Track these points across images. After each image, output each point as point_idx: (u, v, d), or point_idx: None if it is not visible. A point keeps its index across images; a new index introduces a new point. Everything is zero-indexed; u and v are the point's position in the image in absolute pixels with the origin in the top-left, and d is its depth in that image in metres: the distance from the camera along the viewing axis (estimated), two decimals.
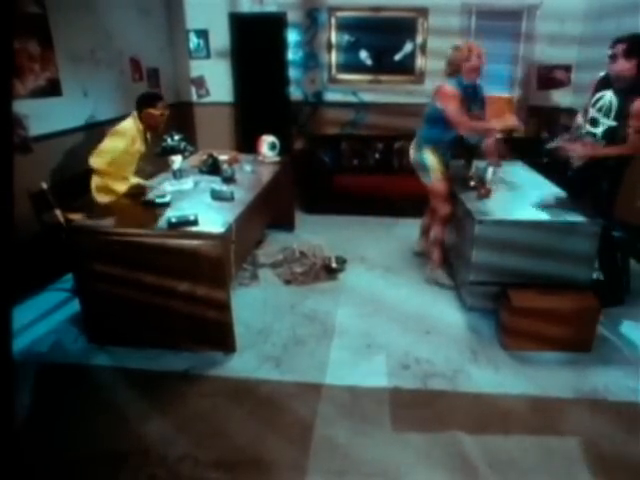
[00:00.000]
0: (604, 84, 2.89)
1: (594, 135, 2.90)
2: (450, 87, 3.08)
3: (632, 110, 2.66)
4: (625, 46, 2.66)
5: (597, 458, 1.99)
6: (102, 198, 3.14)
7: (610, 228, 2.96)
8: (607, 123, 2.82)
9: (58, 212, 2.96)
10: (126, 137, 3.11)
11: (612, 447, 2.05)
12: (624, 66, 2.68)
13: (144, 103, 3.24)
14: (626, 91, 2.72)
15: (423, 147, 3.30)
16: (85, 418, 2.21)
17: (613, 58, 2.74)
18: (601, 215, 2.83)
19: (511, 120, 3.16)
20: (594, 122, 2.91)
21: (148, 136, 3.40)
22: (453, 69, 3.16)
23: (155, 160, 3.61)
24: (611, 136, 2.80)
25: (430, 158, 3.27)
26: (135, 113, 3.23)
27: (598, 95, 2.92)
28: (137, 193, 3.09)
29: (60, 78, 3.57)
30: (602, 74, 2.96)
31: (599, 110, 2.87)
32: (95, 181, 3.14)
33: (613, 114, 2.77)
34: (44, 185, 2.97)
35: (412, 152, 3.42)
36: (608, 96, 2.82)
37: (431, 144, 3.27)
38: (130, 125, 3.17)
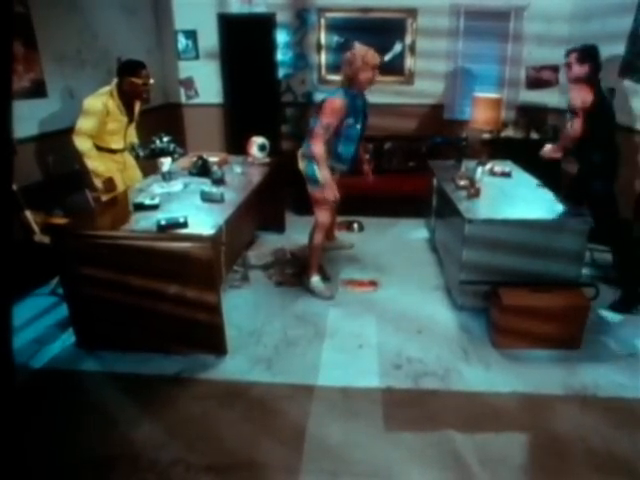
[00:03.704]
0: None
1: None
2: (338, 101, 2.94)
3: (569, 97, 3.01)
4: (577, 54, 3.02)
5: (587, 454, 2.01)
6: (97, 182, 3.21)
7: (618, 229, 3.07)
8: (569, 117, 3.12)
9: (28, 213, 2.91)
10: (93, 116, 3.06)
11: (602, 442, 2.07)
12: (579, 71, 3.01)
13: (125, 71, 3.16)
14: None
15: (311, 159, 3.09)
16: (74, 424, 2.18)
17: (569, 66, 3.05)
18: (604, 216, 2.91)
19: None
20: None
21: (137, 106, 3.36)
22: (348, 78, 2.99)
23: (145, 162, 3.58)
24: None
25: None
26: (113, 84, 3.17)
27: None
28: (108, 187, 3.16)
29: (45, 79, 3.52)
30: None
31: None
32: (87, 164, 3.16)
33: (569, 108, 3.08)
34: (14, 187, 2.90)
35: (300, 162, 3.24)
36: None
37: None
38: (95, 103, 3.08)
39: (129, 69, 3.18)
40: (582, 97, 2.89)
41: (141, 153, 3.38)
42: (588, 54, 3.00)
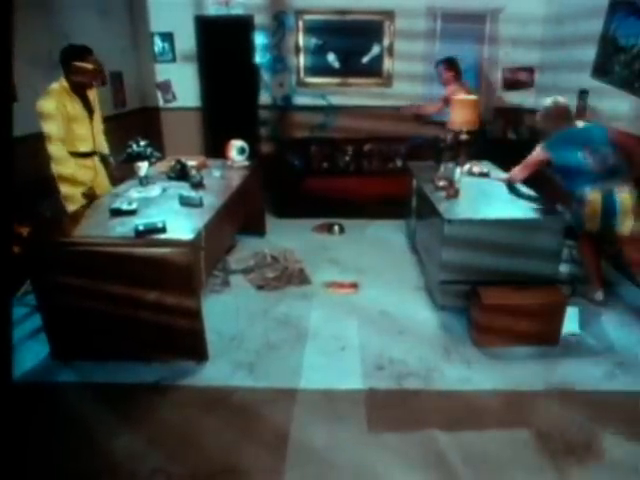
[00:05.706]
0: None
1: None
2: None
3: None
4: (445, 64, 4.40)
5: (568, 448, 2.04)
6: (67, 189, 3.03)
7: None
8: None
9: None
10: (51, 118, 2.87)
11: (582, 436, 2.10)
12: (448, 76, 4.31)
13: (71, 56, 2.89)
14: None
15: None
16: (51, 437, 2.12)
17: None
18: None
19: None
20: None
21: (92, 95, 3.14)
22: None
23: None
24: None
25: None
26: (61, 78, 2.95)
27: None
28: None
29: (14, 81, 3.42)
30: None
31: None
32: (55, 170, 2.97)
33: None
34: None
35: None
36: None
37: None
38: (46, 104, 2.87)
39: (75, 54, 2.89)
40: None
41: (112, 160, 3.28)
42: (451, 63, 4.36)
